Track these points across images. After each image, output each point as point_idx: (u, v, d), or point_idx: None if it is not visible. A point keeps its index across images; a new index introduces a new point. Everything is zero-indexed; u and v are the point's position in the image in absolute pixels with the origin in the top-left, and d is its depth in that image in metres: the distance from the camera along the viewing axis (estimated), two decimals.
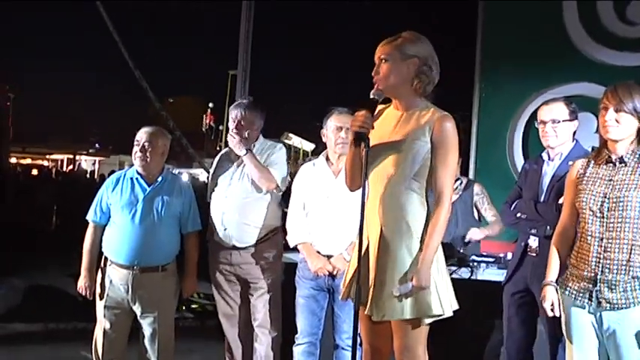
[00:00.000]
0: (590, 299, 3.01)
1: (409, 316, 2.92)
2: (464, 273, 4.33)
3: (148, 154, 4.17)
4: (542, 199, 3.85)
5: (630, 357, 2.92)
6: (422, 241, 2.95)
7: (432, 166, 2.97)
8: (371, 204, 3.03)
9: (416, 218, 2.97)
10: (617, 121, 2.99)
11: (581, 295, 3.05)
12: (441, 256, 3.02)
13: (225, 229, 4.32)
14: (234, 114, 4.39)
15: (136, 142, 4.20)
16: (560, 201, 3.70)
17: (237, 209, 4.30)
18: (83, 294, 4.22)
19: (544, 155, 3.94)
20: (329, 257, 4.07)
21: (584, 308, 3.04)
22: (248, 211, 4.30)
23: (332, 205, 4.01)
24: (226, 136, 4.57)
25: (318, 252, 4.13)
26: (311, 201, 4.19)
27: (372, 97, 2.99)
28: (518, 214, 3.91)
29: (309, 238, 4.18)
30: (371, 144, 3.00)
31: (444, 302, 2.94)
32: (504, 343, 3.99)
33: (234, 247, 4.31)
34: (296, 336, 4.21)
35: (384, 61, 3.01)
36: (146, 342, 4.25)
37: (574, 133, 3.91)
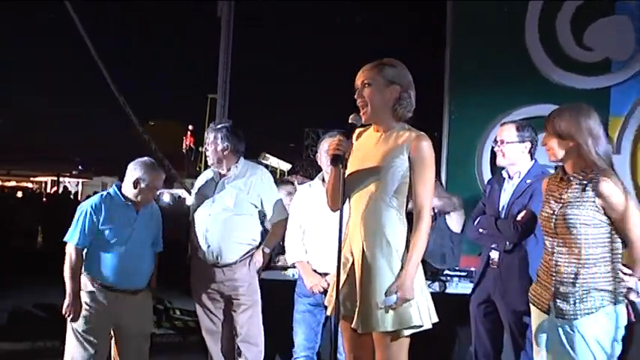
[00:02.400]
0: (549, 308, 3.07)
1: (391, 327, 2.92)
2: (437, 287, 4.32)
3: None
4: (502, 215, 3.90)
5: (586, 359, 2.95)
6: (402, 255, 2.96)
7: (411, 183, 2.99)
8: (353, 221, 3.05)
9: (395, 233, 2.98)
10: (546, 144, 3.10)
11: (542, 303, 3.11)
12: (421, 271, 3.03)
13: (208, 247, 4.28)
14: (211, 136, 4.38)
15: (156, 188, 4.19)
16: (519, 217, 3.77)
17: (220, 227, 4.26)
18: (70, 317, 4.00)
19: (504, 174, 4.00)
20: (325, 275, 4.05)
21: (546, 317, 3.09)
22: (230, 228, 4.27)
23: (327, 225, 3.93)
24: (206, 157, 4.55)
25: (315, 270, 4.12)
26: (307, 221, 4.19)
27: (350, 122, 3.01)
28: (480, 230, 3.95)
29: (306, 257, 4.18)
30: (352, 165, 3.03)
31: (423, 314, 2.96)
32: (474, 352, 4.01)
33: (217, 265, 4.28)
34: (293, 350, 4.19)
35: (367, 85, 3.02)
36: (126, 355, 4.14)
37: (531, 153, 3.95)
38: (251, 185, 4.32)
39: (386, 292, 2.90)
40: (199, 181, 4.54)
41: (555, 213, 3.06)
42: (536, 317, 3.18)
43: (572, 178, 3.06)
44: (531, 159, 3.93)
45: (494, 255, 3.87)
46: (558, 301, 3.02)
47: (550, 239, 3.10)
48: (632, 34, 4.86)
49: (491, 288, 3.86)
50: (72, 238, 4.00)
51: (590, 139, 3.02)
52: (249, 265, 4.30)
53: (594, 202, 2.97)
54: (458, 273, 4.49)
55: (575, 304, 2.97)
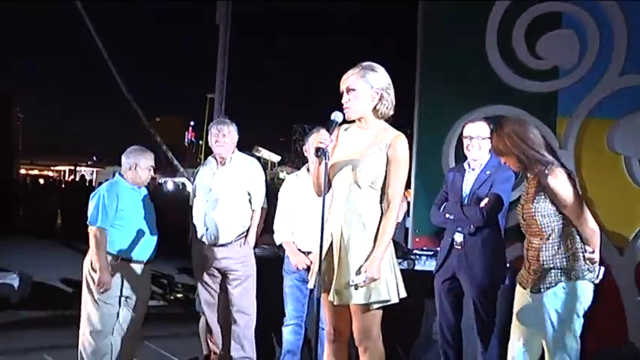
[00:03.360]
0: (526, 284, 3.16)
1: (363, 301, 2.92)
2: (406, 265, 4.31)
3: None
4: (465, 202, 3.89)
5: (547, 331, 3.07)
6: (375, 239, 2.95)
7: (386, 177, 2.98)
8: (335, 207, 3.04)
9: (371, 220, 2.98)
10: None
11: (522, 280, 3.21)
12: (391, 251, 3.03)
13: (207, 229, 4.27)
14: (216, 128, 4.33)
15: (151, 167, 4.19)
16: (482, 204, 3.78)
17: (217, 211, 4.25)
18: (104, 289, 3.98)
19: (466, 165, 4.00)
20: (308, 253, 4.06)
21: (525, 293, 3.19)
22: (226, 212, 4.25)
23: (311, 209, 3.94)
24: (205, 150, 4.56)
25: (299, 249, 4.12)
26: (294, 206, 4.18)
27: (332, 118, 2.98)
28: (447, 215, 3.92)
29: (292, 238, 4.17)
30: (336, 157, 3.05)
31: (391, 290, 2.96)
32: (439, 322, 4.02)
33: (215, 245, 4.26)
34: (284, 319, 4.21)
35: (351, 90, 3.01)
36: (134, 320, 4.13)
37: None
38: (245, 175, 4.31)
39: (356, 272, 2.90)
40: (199, 170, 4.52)
41: (523, 207, 3.15)
42: (518, 295, 3.26)
43: (529, 176, 3.15)
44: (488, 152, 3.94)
45: (459, 237, 3.87)
46: (532, 277, 3.11)
47: (523, 228, 3.19)
48: (576, 45, 4.83)
49: (456, 266, 3.86)
50: (95, 221, 4.00)
51: (519, 146, 3.06)
52: (243, 244, 4.30)
53: (544, 195, 3.03)
54: (425, 252, 4.49)
55: (539, 279, 3.07)
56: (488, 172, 3.86)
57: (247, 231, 4.33)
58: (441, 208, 3.98)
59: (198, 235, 4.32)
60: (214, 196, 4.28)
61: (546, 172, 3.00)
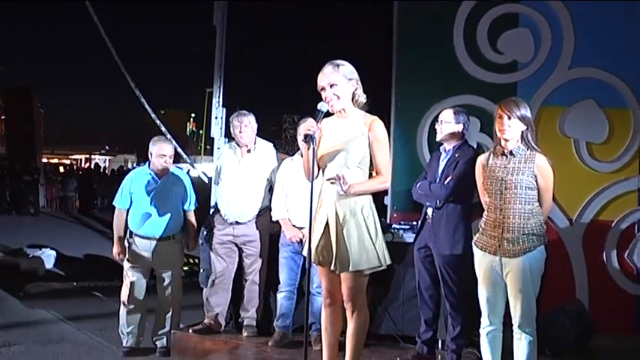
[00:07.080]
0: (495, 251, 3.15)
1: (361, 267, 2.96)
2: (387, 237, 4.29)
3: (170, 162, 4.28)
4: (438, 180, 3.90)
5: (524, 288, 3.11)
6: (366, 213, 2.98)
7: (372, 155, 3.00)
8: (326, 188, 3.04)
9: (361, 197, 2.99)
10: (509, 125, 3.12)
11: (489, 248, 3.19)
12: (378, 224, 3.06)
13: (231, 209, 4.26)
14: (238, 120, 4.29)
15: (162, 155, 4.21)
16: (446, 182, 3.81)
17: (240, 195, 4.26)
18: (117, 258, 4.26)
19: (441, 149, 4.03)
20: (301, 228, 4.05)
21: (492, 257, 3.18)
22: (249, 194, 4.26)
23: (304, 189, 3.91)
24: (206, 139, 4.59)
25: (294, 225, 4.10)
26: (289, 186, 4.14)
27: (318, 108, 2.98)
28: (420, 191, 3.96)
29: (287, 215, 4.14)
30: (324, 146, 3.04)
31: (381, 257, 3.01)
32: (417, 284, 4.02)
33: (236, 222, 4.26)
34: (279, 286, 4.21)
35: (334, 85, 2.99)
36: (163, 290, 4.30)
37: (462, 133, 3.95)
38: (267, 164, 4.31)
39: (332, 178, 2.90)
40: (222, 155, 4.46)
41: (503, 179, 3.11)
42: (481, 259, 3.24)
43: (514, 153, 3.13)
44: (460, 138, 3.95)
45: (430, 211, 3.90)
46: (505, 244, 3.10)
47: (498, 199, 3.14)
48: (532, 42, 4.83)
49: (427, 236, 3.90)
50: (115, 202, 4.29)
51: (527, 129, 3.16)
52: (260, 222, 4.30)
53: (533, 170, 3.07)
54: (402, 226, 4.48)
55: (519, 244, 3.07)
56: (457, 155, 3.89)
57: (263, 211, 4.31)
58: (417, 185, 4.03)
59: (222, 214, 4.31)
60: (239, 181, 4.29)
61: (541, 154, 3.12)
